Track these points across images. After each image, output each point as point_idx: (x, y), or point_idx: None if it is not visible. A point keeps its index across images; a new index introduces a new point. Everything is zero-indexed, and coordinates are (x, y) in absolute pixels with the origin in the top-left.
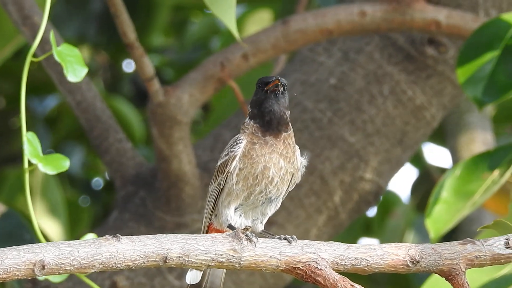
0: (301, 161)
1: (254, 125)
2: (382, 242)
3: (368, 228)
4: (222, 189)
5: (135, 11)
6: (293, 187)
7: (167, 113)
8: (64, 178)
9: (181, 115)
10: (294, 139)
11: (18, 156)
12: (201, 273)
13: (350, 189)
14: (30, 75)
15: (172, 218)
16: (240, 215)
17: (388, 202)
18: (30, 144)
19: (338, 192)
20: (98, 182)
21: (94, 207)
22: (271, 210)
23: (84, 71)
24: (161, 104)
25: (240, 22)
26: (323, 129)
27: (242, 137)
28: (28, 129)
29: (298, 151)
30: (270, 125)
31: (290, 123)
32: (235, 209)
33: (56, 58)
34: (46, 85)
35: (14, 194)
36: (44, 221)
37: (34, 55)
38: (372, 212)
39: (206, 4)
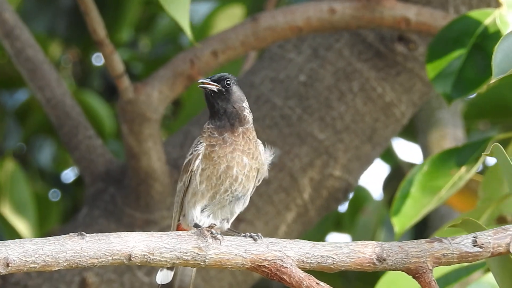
0: (265, 156)
1: (209, 127)
2: (353, 238)
3: (339, 224)
4: (187, 189)
5: (104, 6)
6: (260, 182)
7: (137, 110)
8: (35, 171)
9: (150, 112)
10: (254, 133)
11: None
12: (172, 272)
13: (319, 186)
14: (0, 69)
15: (142, 215)
16: (209, 216)
17: (359, 198)
18: None
19: (307, 189)
20: (68, 175)
21: (64, 201)
22: (239, 208)
23: None
24: (130, 101)
25: (211, 18)
26: (293, 126)
27: (201, 140)
28: None
29: (261, 146)
30: (221, 122)
31: (247, 117)
32: (202, 210)
33: None
34: (17, 79)
35: None
36: (13, 216)
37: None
38: (343, 207)
39: (160, 2)
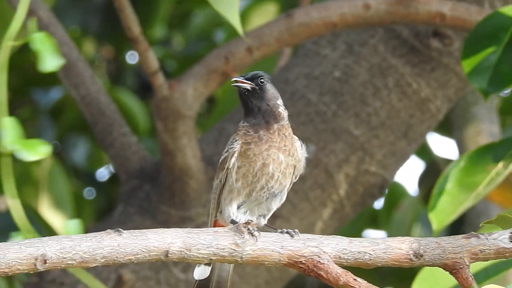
0: (301, 152)
1: (245, 124)
2: (388, 234)
3: (374, 221)
4: (223, 186)
5: (138, 3)
6: (297, 179)
7: (171, 107)
8: (69, 170)
9: (185, 109)
10: (290, 130)
11: None
12: (209, 268)
13: (355, 182)
14: (34, 68)
15: (177, 212)
16: (245, 212)
17: (395, 194)
18: (9, 129)
19: (343, 185)
20: (102, 173)
21: (99, 199)
22: (276, 205)
23: (59, 61)
24: (165, 98)
25: (245, 15)
26: (328, 122)
27: (237, 138)
28: (32, 121)
29: (297, 143)
30: (256, 120)
31: (282, 114)
32: (239, 207)
33: (33, 44)
34: (51, 77)
35: (20, 187)
36: (51, 213)
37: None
38: (378, 204)
39: (209, 0)
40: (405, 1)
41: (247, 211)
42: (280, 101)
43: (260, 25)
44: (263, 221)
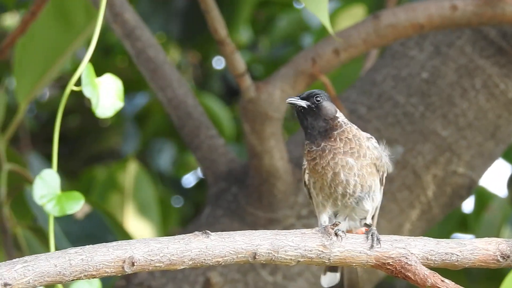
0: (378, 150)
1: (307, 143)
2: (477, 237)
3: (463, 224)
4: (310, 199)
5: (221, 7)
6: (385, 175)
7: (258, 109)
8: (155, 176)
9: (272, 110)
10: (355, 131)
11: (107, 155)
12: (336, 274)
13: (443, 183)
14: (119, 73)
15: (264, 214)
16: (345, 219)
17: (484, 197)
18: (42, 183)
19: (431, 186)
20: (188, 179)
21: (185, 206)
22: (369, 205)
23: (119, 105)
24: (252, 100)
25: (333, 17)
26: (415, 124)
27: (304, 157)
28: (117, 128)
29: (370, 142)
30: (314, 134)
31: (340, 122)
32: (336, 215)
33: (87, 93)
34: (135, 83)
35: (105, 193)
36: (136, 220)
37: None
38: (468, 208)
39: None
40: (492, 2)
41: (346, 217)
42: (339, 114)
43: (347, 26)
44: (369, 221)
